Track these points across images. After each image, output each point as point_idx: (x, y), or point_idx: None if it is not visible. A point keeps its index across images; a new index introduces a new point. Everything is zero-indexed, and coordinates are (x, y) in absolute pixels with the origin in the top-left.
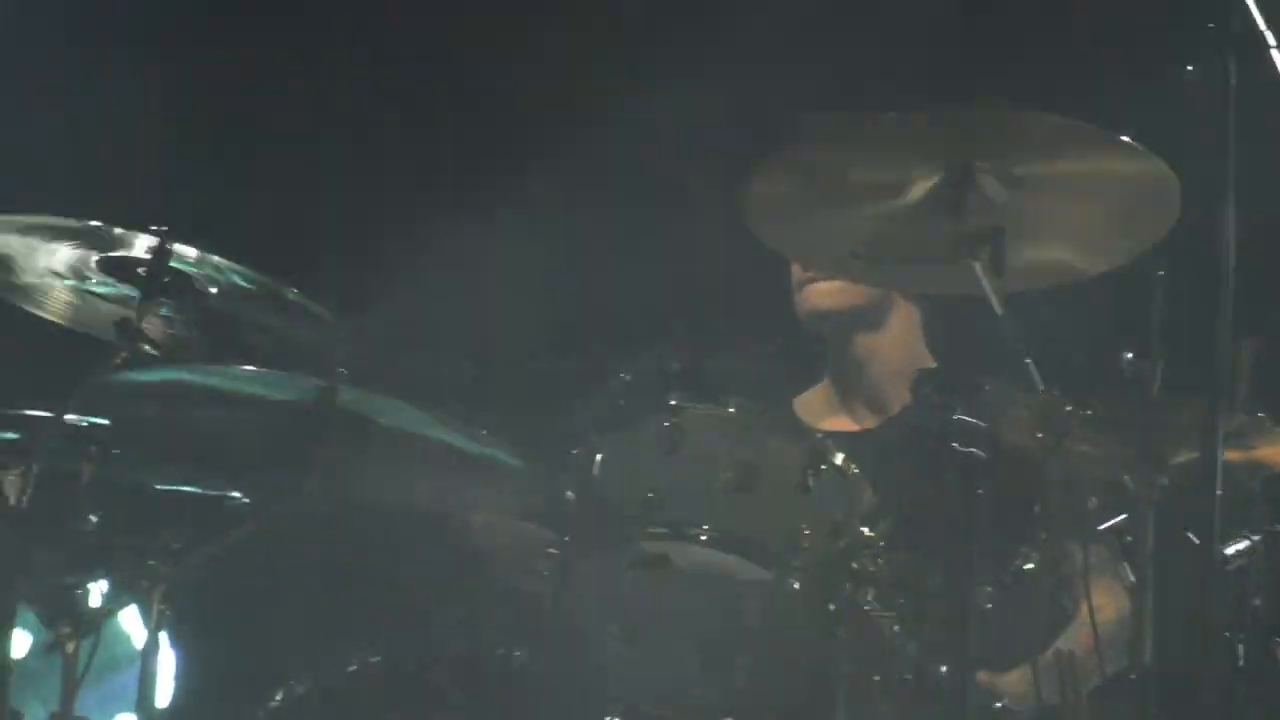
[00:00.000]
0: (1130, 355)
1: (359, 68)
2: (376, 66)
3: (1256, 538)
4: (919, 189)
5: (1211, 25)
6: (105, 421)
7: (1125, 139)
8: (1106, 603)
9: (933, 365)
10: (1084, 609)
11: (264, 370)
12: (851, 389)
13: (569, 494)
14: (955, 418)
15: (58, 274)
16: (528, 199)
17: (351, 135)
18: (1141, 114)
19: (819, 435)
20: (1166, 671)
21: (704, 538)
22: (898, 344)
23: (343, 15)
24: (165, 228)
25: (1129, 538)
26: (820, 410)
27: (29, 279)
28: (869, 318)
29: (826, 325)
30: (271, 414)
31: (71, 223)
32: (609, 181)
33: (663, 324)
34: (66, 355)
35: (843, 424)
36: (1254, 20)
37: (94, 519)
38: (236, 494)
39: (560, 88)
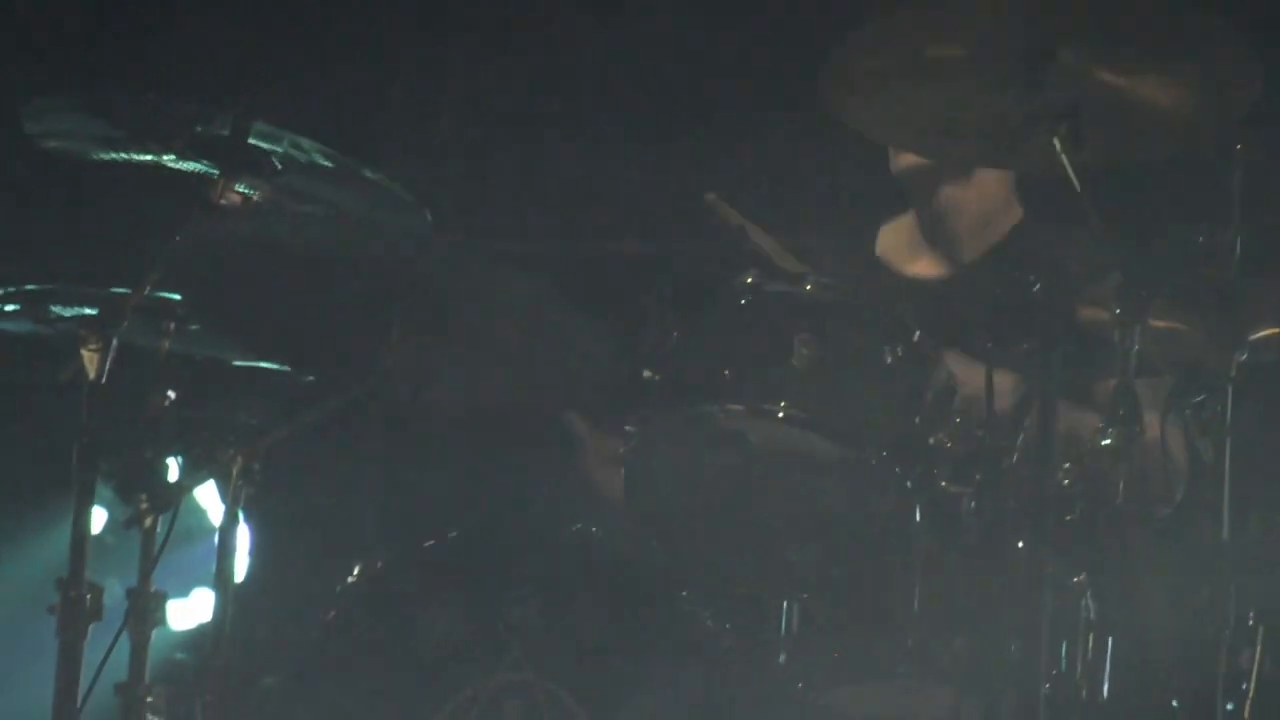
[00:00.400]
0: (1208, 231)
1: None
2: None
3: None
4: (999, 64)
5: None
6: (180, 297)
7: (1209, 18)
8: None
9: (1020, 217)
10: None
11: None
12: (936, 234)
13: (646, 372)
14: (1035, 290)
15: (141, 148)
16: (602, 83)
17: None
18: None
19: (898, 311)
20: (1244, 545)
21: (780, 415)
22: (985, 196)
23: None
24: (247, 103)
25: (1206, 415)
26: (902, 246)
27: (109, 154)
28: (959, 170)
29: (917, 179)
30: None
31: (153, 98)
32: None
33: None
34: (144, 230)
35: (923, 266)
36: None
37: (171, 395)
38: (312, 375)
39: None
